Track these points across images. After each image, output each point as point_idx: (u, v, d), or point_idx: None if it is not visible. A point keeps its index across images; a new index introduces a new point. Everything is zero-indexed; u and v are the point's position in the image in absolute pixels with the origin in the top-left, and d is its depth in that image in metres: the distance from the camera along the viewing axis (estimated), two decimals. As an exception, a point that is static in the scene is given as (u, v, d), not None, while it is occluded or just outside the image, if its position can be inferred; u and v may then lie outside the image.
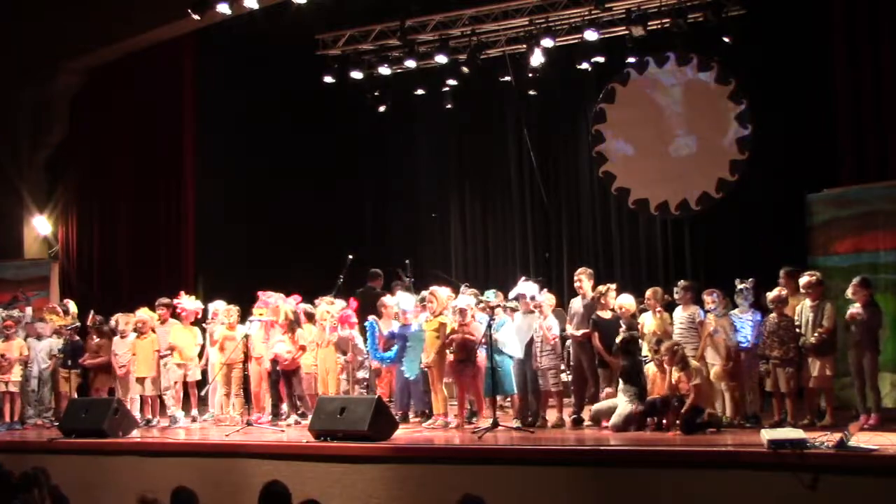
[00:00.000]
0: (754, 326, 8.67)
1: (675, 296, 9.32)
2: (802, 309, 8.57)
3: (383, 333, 10.17)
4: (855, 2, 10.99)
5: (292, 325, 10.26)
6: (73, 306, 11.97)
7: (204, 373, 11.20)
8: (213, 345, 10.90)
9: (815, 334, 8.36)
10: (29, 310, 12.15)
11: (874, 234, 9.36)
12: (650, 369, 8.85)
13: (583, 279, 9.61)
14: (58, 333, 11.62)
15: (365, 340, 10.37)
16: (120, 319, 11.20)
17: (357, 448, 8.12)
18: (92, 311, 11.58)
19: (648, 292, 9.56)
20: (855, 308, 8.22)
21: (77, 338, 11.45)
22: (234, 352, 10.57)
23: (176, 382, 10.86)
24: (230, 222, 14.16)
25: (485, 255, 15.06)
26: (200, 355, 11.10)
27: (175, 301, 11.04)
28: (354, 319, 10.32)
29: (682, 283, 9.41)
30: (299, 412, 10.22)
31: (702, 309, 9.04)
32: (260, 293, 10.71)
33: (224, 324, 10.82)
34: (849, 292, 8.33)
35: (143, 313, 11.03)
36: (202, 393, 11.18)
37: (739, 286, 8.83)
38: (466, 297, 9.91)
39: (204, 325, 11.16)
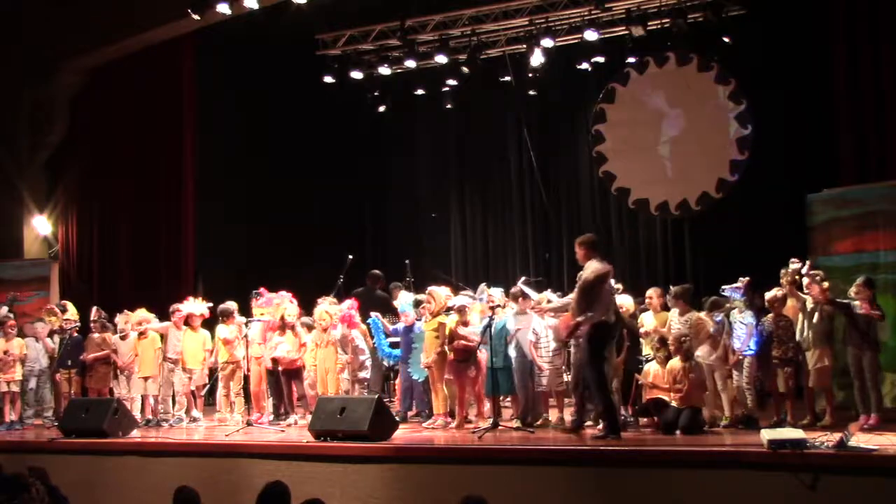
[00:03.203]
0: (752, 328, 8.65)
1: (668, 303, 9.30)
2: (804, 308, 8.57)
3: (389, 328, 10.20)
4: (855, 2, 11.00)
5: (285, 326, 10.28)
6: (71, 306, 11.97)
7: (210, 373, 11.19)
8: (227, 345, 10.82)
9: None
10: (3, 309, 12.06)
11: (874, 234, 9.35)
12: (651, 368, 8.84)
13: None
14: (57, 333, 11.61)
15: (371, 338, 10.40)
16: (119, 319, 11.21)
17: (357, 448, 8.11)
18: (95, 307, 11.58)
19: (651, 291, 9.58)
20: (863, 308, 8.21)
21: (77, 335, 11.43)
22: (234, 351, 10.59)
23: (185, 386, 10.89)
24: (230, 222, 14.16)
25: (485, 255, 15.08)
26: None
27: (179, 306, 11.03)
28: (357, 319, 10.33)
29: (672, 289, 9.30)
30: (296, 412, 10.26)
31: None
32: (263, 291, 10.71)
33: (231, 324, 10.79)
34: (852, 291, 8.33)
35: (142, 313, 11.03)
36: (203, 393, 11.19)
37: (725, 288, 8.81)
38: (464, 297, 9.93)
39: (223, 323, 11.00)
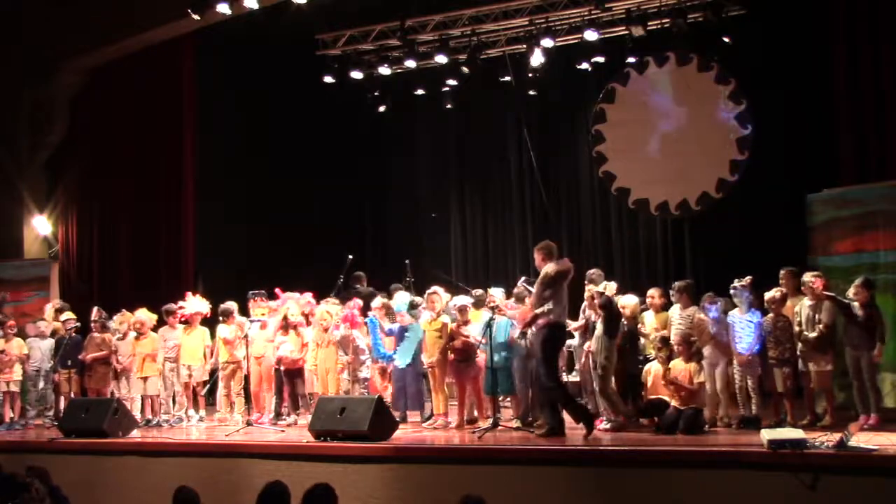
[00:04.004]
0: (756, 328, 8.63)
1: (672, 297, 9.32)
2: (801, 308, 8.58)
3: (385, 330, 10.22)
4: (855, 2, 11.00)
5: (287, 326, 10.28)
6: (48, 310, 12.02)
7: (212, 373, 11.19)
8: (227, 344, 10.81)
9: (815, 331, 8.39)
10: None
11: (874, 234, 9.34)
12: (653, 367, 8.84)
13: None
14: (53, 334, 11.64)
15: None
16: (116, 319, 11.20)
17: (357, 448, 8.12)
18: (97, 307, 11.59)
19: (652, 290, 9.58)
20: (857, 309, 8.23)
21: (76, 335, 11.43)
22: (234, 351, 10.59)
23: (186, 384, 10.90)
24: (230, 222, 14.17)
25: (485, 255, 15.07)
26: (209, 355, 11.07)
27: (179, 304, 11.02)
28: (359, 319, 10.33)
29: (676, 284, 9.38)
30: (298, 412, 10.26)
31: (699, 310, 9.04)
32: (278, 291, 10.72)
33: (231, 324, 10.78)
34: (850, 292, 8.34)
35: (142, 314, 11.03)
36: (204, 392, 11.19)
37: (735, 285, 8.81)
38: (464, 297, 9.94)
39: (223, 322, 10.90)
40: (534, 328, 8.64)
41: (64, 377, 11.35)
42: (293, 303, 10.53)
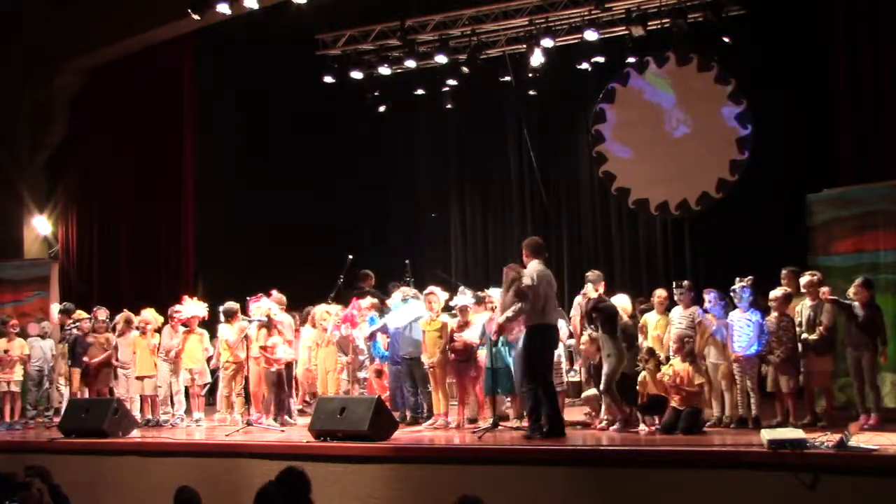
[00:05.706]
0: (756, 328, 8.62)
1: (676, 297, 9.30)
2: (802, 308, 8.58)
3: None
4: (855, 2, 11.01)
5: (269, 325, 10.27)
6: (54, 311, 12.04)
7: (212, 373, 11.19)
8: (230, 345, 10.79)
9: (815, 333, 8.40)
10: None
11: (874, 234, 9.34)
12: (646, 376, 8.79)
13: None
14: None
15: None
16: (119, 318, 11.20)
17: (357, 448, 8.11)
18: (103, 308, 11.59)
19: (659, 291, 9.56)
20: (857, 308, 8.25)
21: (79, 333, 11.43)
22: (236, 351, 10.59)
23: (187, 387, 10.90)
24: (230, 222, 14.18)
25: (485, 255, 15.08)
26: (209, 358, 11.06)
27: (176, 308, 11.00)
28: (358, 319, 10.32)
29: (685, 283, 9.34)
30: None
31: (701, 309, 9.03)
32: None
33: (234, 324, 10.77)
34: (850, 292, 8.33)
35: (148, 314, 11.02)
36: (204, 392, 11.20)
37: (737, 286, 8.80)
38: (466, 297, 9.93)
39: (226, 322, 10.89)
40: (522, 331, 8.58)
41: (64, 375, 11.34)
42: (272, 302, 10.49)
